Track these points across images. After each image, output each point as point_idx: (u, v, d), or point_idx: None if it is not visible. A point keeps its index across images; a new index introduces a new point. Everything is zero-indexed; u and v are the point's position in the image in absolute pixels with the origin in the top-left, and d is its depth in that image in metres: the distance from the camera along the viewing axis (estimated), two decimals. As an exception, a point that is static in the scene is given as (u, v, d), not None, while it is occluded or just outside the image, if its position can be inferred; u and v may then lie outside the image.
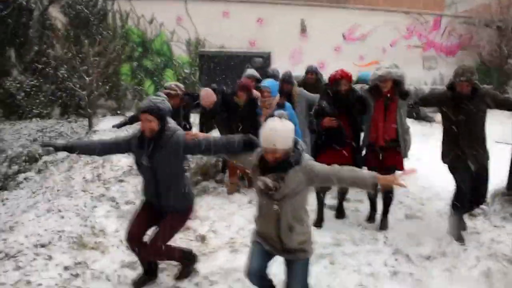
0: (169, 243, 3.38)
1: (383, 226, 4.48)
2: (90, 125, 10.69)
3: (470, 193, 4.05)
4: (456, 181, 4.12)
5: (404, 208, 5.06)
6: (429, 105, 4.58)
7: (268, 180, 2.65)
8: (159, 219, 3.33)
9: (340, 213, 4.90)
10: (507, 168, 4.83)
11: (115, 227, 4.57)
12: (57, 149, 3.36)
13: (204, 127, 6.31)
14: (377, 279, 3.47)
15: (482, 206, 4.70)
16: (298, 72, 13.06)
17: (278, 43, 14.18)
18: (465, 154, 4.02)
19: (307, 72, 6.81)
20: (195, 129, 6.19)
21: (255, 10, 14.17)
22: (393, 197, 4.53)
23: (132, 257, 3.88)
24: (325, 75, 9.66)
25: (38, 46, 11.96)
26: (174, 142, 3.13)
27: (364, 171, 2.79)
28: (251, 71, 6.41)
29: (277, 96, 5.26)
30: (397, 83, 4.23)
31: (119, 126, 5.97)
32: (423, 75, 15.01)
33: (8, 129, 10.70)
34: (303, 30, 14.57)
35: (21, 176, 8.27)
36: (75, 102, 12.15)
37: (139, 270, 3.59)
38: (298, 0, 14.88)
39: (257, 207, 2.91)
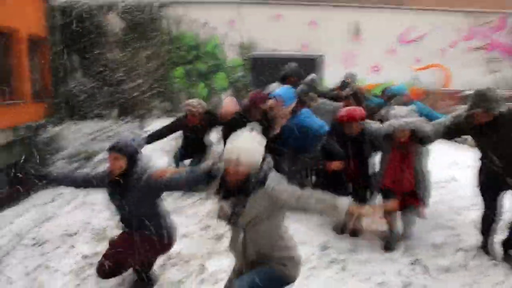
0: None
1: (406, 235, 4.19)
2: (141, 126, 11.13)
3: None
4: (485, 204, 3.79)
5: (436, 217, 4.77)
6: (454, 137, 4.15)
7: (227, 207, 2.44)
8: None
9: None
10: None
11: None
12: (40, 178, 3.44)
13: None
14: (387, 288, 3.31)
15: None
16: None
17: (330, 46, 13.95)
18: (502, 174, 3.57)
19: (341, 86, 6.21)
20: (214, 147, 6.17)
21: (307, 12, 14.06)
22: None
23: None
24: (380, 79, 9.31)
25: (98, 50, 12.66)
26: (144, 183, 3.04)
27: (335, 198, 2.39)
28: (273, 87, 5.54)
29: (292, 104, 4.76)
30: (415, 132, 3.80)
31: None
32: (485, 79, 14.12)
33: (70, 129, 11.41)
34: (356, 32, 14.24)
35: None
36: (131, 103, 12.72)
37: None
38: (351, 2, 14.56)
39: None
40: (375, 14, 14.22)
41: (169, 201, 5.33)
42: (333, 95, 5.92)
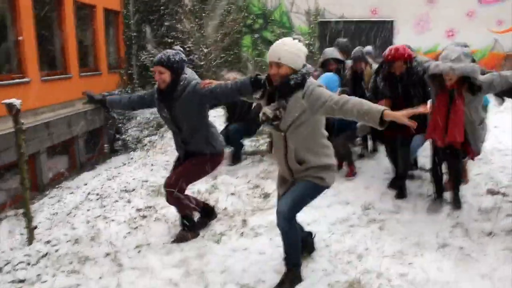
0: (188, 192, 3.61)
1: (456, 204, 3.98)
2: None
3: None
4: None
5: (491, 183, 4.56)
6: None
7: (268, 110, 2.59)
8: None
9: (400, 193, 4.36)
10: None
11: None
12: (93, 101, 3.71)
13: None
14: (421, 248, 3.27)
15: None
16: (424, 42, 12.11)
17: (401, 10, 13.25)
18: None
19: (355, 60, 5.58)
20: None
21: (377, -25, 13.47)
22: (460, 170, 4.05)
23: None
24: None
25: (168, 21, 13.13)
26: (190, 92, 3.23)
27: (373, 104, 2.45)
28: (328, 52, 5.44)
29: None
30: (465, 77, 3.50)
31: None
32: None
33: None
34: (432, -7, 13.39)
35: (147, 139, 9.45)
36: (200, 72, 13.13)
37: (197, 218, 3.94)
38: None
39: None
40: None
41: (224, 164, 5.63)
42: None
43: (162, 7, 13.19)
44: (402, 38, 11.92)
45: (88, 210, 4.33)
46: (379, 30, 13.55)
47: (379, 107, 2.41)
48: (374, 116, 2.36)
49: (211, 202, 4.30)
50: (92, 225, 3.90)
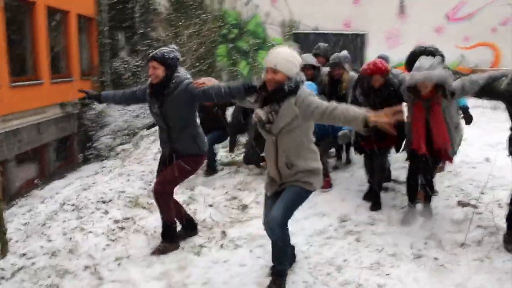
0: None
1: (428, 215, 4.15)
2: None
3: None
4: None
5: (461, 195, 4.73)
6: (485, 98, 3.78)
7: (262, 112, 2.72)
8: None
9: (374, 204, 4.48)
10: None
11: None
12: (89, 97, 3.84)
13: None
14: (397, 260, 3.37)
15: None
16: (396, 55, 12.45)
17: (374, 24, 13.64)
18: None
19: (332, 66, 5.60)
20: None
21: (352, -11, 13.81)
22: (432, 182, 4.19)
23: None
24: None
25: (143, 29, 13.07)
26: (182, 89, 3.30)
27: (358, 110, 2.58)
28: (306, 58, 5.43)
29: None
30: (439, 86, 3.59)
31: (149, 127, 5.70)
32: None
33: (114, 106, 11.90)
34: (402, 10, 13.82)
35: (120, 148, 9.33)
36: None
37: (176, 229, 3.95)
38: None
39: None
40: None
41: (200, 175, 5.64)
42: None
43: (136, 15, 13.14)
44: (373, 51, 12.20)
45: (64, 221, 4.24)
46: (352, 43, 13.87)
47: (363, 113, 2.53)
48: (359, 121, 2.50)
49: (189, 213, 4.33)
50: (70, 237, 3.83)
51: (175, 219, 3.72)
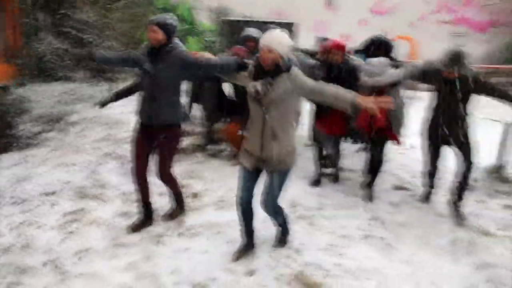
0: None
1: (367, 197, 4.59)
2: (110, 90, 11.07)
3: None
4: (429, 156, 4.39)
5: (394, 179, 5.19)
6: (421, 82, 4.43)
7: (258, 84, 2.97)
8: (152, 143, 3.76)
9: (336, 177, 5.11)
10: (497, 147, 4.86)
11: (118, 181, 4.91)
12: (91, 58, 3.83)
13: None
14: (348, 240, 3.69)
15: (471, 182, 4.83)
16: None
17: (303, 14, 14.08)
18: (443, 130, 4.13)
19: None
20: None
21: (281, -21, 14.12)
22: (380, 165, 4.64)
23: (127, 207, 4.25)
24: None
25: (65, 9, 12.30)
26: (177, 54, 3.49)
27: (347, 91, 2.95)
28: (250, 31, 5.63)
29: None
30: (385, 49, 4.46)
31: (103, 104, 5.62)
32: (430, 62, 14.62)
33: (35, 90, 11.20)
34: (329, 1, 14.41)
35: (44, 135, 8.79)
36: (100, 66, 12.51)
37: (132, 219, 3.94)
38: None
39: (250, 118, 3.21)
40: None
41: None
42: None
43: (58, -6, 12.36)
44: (302, 40, 12.59)
45: (7, 216, 4.02)
46: (286, 30, 14.18)
47: (352, 94, 2.89)
48: (348, 101, 2.87)
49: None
50: (19, 232, 3.66)
51: (142, 200, 3.94)
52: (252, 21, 13.87)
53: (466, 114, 4.09)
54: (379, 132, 4.40)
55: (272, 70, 2.96)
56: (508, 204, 4.40)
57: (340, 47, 4.61)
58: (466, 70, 3.99)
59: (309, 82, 3.01)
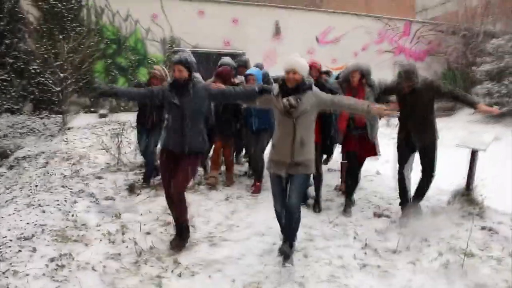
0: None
1: (347, 210, 5.15)
2: (64, 122, 10.64)
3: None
4: (397, 160, 4.95)
5: (372, 207, 5.39)
6: (391, 94, 5.07)
7: (291, 98, 3.55)
8: (177, 165, 4.03)
9: (317, 206, 5.32)
10: (466, 170, 5.20)
11: (97, 221, 4.71)
12: (103, 93, 4.08)
13: None
14: (348, 270, 3.76)
15: (444, 205, 5.14)
16: (272, 74, 13.33)
17: (252, 43, 14.41)
18: (410, 135, 4.76)
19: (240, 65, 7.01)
20: None
21: (230, 10, 14.38)
22: (357, 180, 5.28)
23: (116, 249, 4.08)
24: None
25: (9, 39, 11.77)
26: (202, 87, 3.98)
27: (360, 100, 3.84)
28: (226, 59, 6.53)
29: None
30: (364, 74, 4.95)
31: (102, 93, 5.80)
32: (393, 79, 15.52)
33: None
34: (278, 31, 14.85)
35: (-2, 172, 8.23)
36: (48, 98, 12.00)
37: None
38: (273, 2, 15.13)
39: (276, 131, 3.76)
40: (296, 14, 14.96)
41: (118, 200, 5.41)
42: None
43: (1, 23, 11.81)
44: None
45: (-16, 264, 3.72)
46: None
47: (367, 103, 3.73)
48: (364, 108, 3.66)
49: (129, 244, 4.17)
50: (6, 283, 3.39)
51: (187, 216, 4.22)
52: (203, 52, 14.02)
53: (430, 121, 4.74)
54: (359, 150, 5.08)
55: (297, 88, 3.56)
56: (483, 225, 4.69)
57: (314, 66, 5.14)
58: (421, 80, 4.68)
59: (329, 96, 3.72)
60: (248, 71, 5.84)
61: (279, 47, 14.68)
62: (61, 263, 3.76)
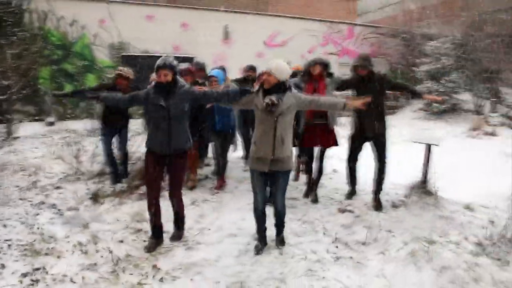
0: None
1: (314, 199, 5.60)
2: (9, 132, 10.14)
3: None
4: (350, 149, 5.52)
5: (335, 203, 5.61)
6: (346, 88, 5.50)
7: (273, 97, 3.76)
8: (163, 166, 4.28)
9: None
10: (421, 165, 5.56)
11: (64, 232, 4.58)
12: (86, 98, 4.44)
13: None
14: (323, 264, 3.92)
15: (403, 198, 5.47)
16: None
17: (202, 48, 14.40)
18: (364, 126, 5.24)
19: (249, 69, 7.80)
20: None
21: (179, 14, 14.32)
22: (322, 172, 5.76)
23: (91, 259, 4.01)
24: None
25: None
26: (186, 90, 4.14)
27: (337, 98, 4.17)
28: (198, 60, 7.24)
29: (223, 85, 5.75)
30: (324, 67, 5.36)
31: (58, 95, 5.92)
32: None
33: None
34: (226, 36, 14.95)
35: None
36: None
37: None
38: (222, 6, 15.22)
39: (255, 131, 3.99)
40: (244, 19, 15.12)
41: (82, 210, 5.29)
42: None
43: None
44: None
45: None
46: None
47: (342, 100, 4.01)
48: (341, 105, 3.95)
49: (103, 253, 4.12)
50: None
51: (155, 223, 4.37)
52: (153, 56, 13.83)
53: (382, 111, 5.25)
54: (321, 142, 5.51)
55: (277, 88, 3.78)
56: (439, 214, 5.04)
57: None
58: (376, 73, 5.27)
59: (307, 96, 4.03)
60: (210, 73, 5.95)
61: (229, 51, 14.78)
62: (35, 277, 3.65)
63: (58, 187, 6.12)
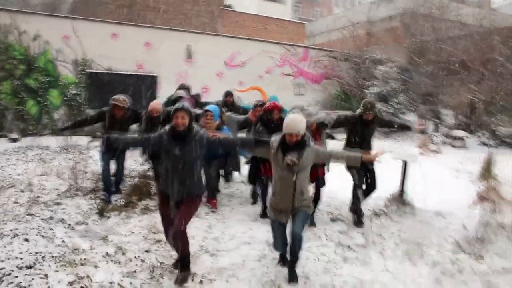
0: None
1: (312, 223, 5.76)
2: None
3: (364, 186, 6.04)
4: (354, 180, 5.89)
5: (325, 213, 6.29)
6: (340, 127, 6.06)
7: (294, 157, 3.83)
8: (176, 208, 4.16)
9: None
10: (400, 178, 6.39)
11: (88, 245, 4.84)
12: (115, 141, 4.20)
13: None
14: (335, 263, 4.57)
15: (383, 208, 6.24)
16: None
17: (164, 67, 14.75)
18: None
19: (226, 95, 8.43)
20: None
21: (143, 33, 14.59)
22: (320, 198, 5.96)
23: (127, 268, 4.33)
24: (209, 99, 10.69)
25: None
26: (201, 136, 4.04)
27: (352, 152, 4.52)
28: (182, 92, 7.73)
29: (218, 121, 6.13)
30: (320, 126, 5.75)
31: (64, 129, 6.77)
32: (294, 100, 17.00)
33: None
34: (189, 55, 15.40)
35: None
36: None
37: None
38: (184, 27, 15.69)
39: (275, 184, 4.14)
40: (205, 39, 15.67)
41: (91, 225, 5.52)
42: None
43: None
44: (164, 92, 12.92)
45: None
46: (144, 84, 14.59)
47: (358, 154, 4.25)
48: (358, 159, 4.18)
49: (136, 262, 4.45)
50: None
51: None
52: (119, 73, 14.00)
53: (370, 144, 5.95)
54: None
55: (300, 145, 3.90)
56: (418, 219, 5.87)
57: (278, 108, 5.82)
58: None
59: (326, 151, 4.36)
60: (207, 107, 6.27)
61: (191, 70, 15.20)
62: (83, 284, 3.94)
63: (57, 203, 6.27)
